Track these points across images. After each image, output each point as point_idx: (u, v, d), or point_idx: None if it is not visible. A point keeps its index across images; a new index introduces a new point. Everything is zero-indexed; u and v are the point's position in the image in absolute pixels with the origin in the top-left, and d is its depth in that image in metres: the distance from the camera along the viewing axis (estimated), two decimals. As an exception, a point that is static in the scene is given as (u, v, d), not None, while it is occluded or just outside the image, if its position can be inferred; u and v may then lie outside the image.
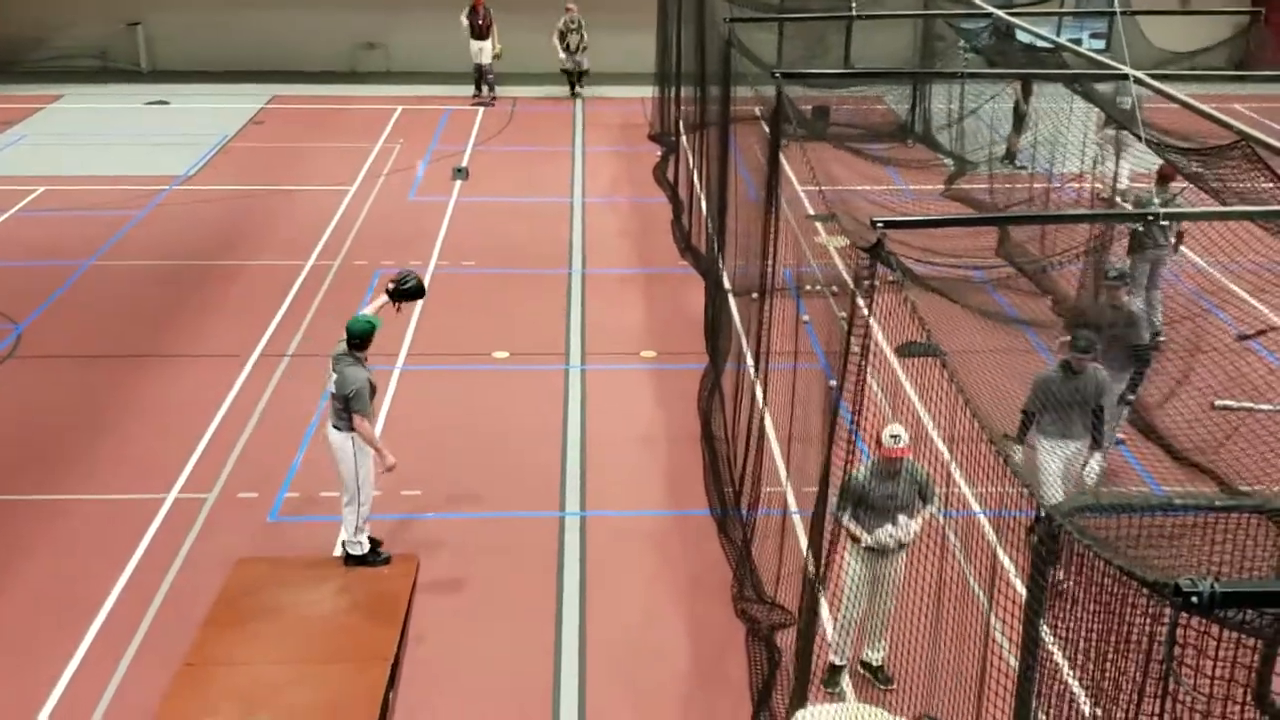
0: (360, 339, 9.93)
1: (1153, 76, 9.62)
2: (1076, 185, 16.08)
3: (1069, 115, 15.48)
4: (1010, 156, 19.82)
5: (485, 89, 25.95)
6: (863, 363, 6.65)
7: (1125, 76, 9.59)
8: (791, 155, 10.83)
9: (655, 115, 23.38)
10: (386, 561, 10.24)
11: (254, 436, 12.39)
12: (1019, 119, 19.92)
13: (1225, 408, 11.67)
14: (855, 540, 8.55)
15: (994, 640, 5.81)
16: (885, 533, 8.44)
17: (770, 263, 10.09)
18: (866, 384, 6.79)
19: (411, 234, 18.09)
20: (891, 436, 8.27)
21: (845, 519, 8.42)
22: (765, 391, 10.31)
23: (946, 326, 12.12)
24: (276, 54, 27.68)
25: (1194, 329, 12.53)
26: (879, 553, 8.52)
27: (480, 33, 25.53)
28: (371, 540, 10.35)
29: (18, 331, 14.74)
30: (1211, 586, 3.59)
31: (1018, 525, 7.86)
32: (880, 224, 6.41)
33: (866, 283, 6.46)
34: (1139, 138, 10.22)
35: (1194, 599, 3.60)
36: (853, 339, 6.74)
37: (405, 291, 10.36)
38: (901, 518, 8.43)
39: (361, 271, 16.63)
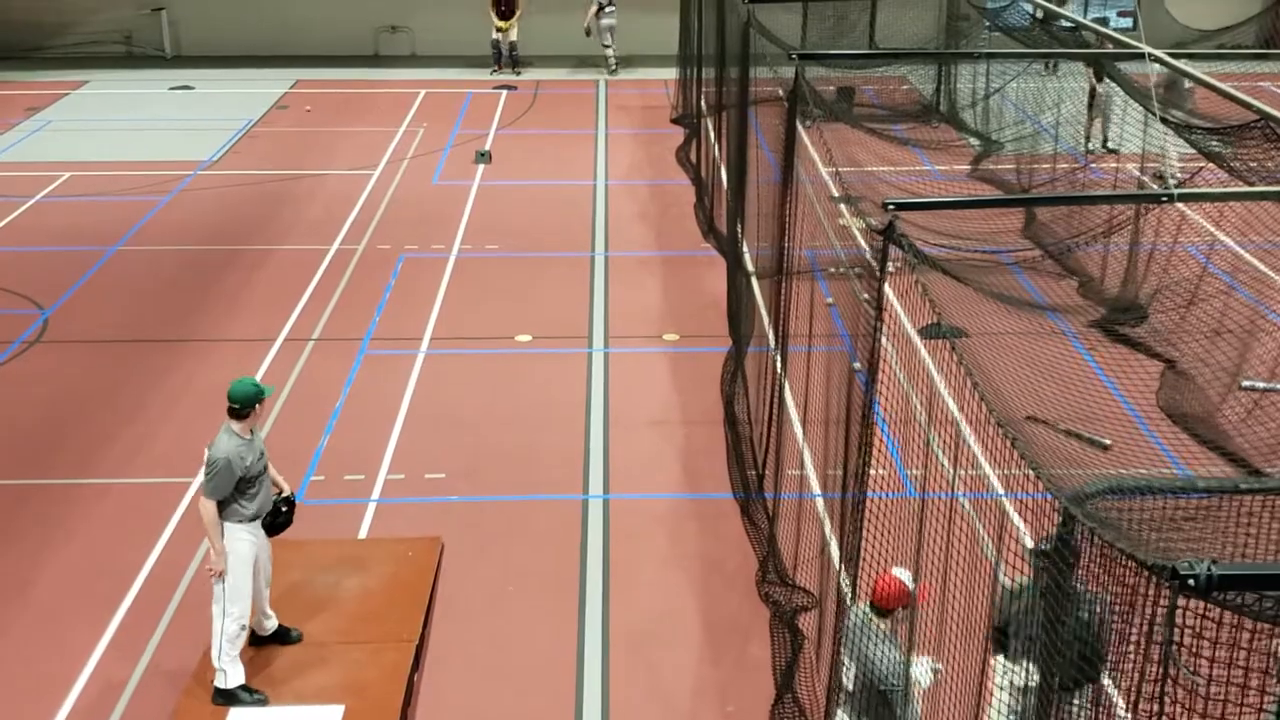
0: (239, 403, 8.33)
1: (1174, 55, 9.51)
2: (1109, 165, 15.96)
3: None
4: (1091, 139, 19.28)
5: (509, 64, 26.56)
6: (876, 344, 6.60)
7: (1143, 55, 9.48)
8: (817, 137, 10.79)
9: (678, 98, 23.31)
10: (263, 702, 8.48)
11: (279, 420, 12.45)
12: (1093, 102, 19.49)
13: (1252, 388, 11.58)
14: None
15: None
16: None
17: (787, 245, 10.05)
18: (889, 366, 6.76)
19: (435, 217, 18.11)
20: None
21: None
22: (785, 373, 10.27)
23: (970, 309, 12.07)
24: (300, 38, 27.72)
25: (1220, 307, 12.41)
26: None
27: (505, 14, 26.39)
28: (281, 630, 8.90)
29: (44, 316, 14.85)
30: (1209, 569, 3.56)
31: (1037, 507, 7.78)
32: (892, 205, 6.36)
33: (879, 265, 6.40)
34: (1155, 116, 10.10)
35: (1191, 581, 3.58)
36: (866, 320, 6.70)
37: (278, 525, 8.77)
38: None
39: (386, 256, 16.67)
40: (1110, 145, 18.67)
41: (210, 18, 27.84)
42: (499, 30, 26.45)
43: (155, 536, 10.58)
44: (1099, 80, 19.10)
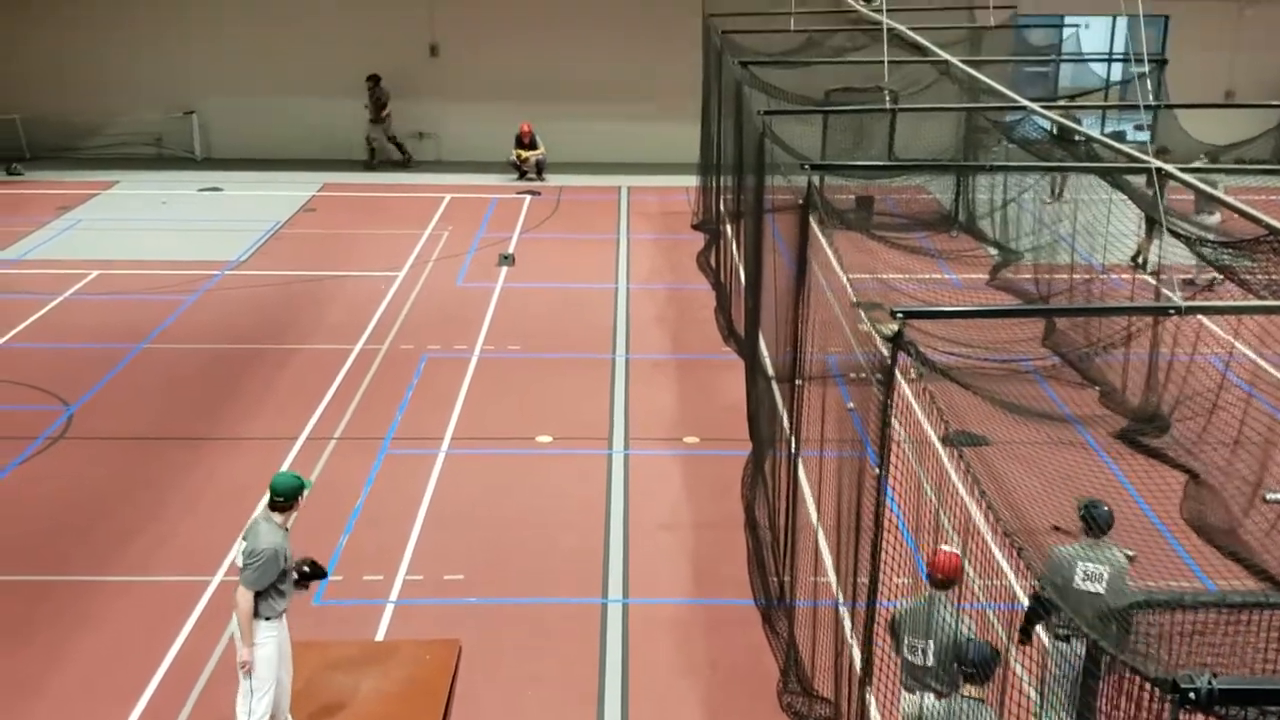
0: (283, 496, 8.61)
1: (1183, 169, 9.63)
2: (1126, 276, 16.06)
3: (1109, 205, 15.54)
4: (1138, 259, 18.83)
5: (534, 173, 27.04)
6: (884, 452, 6.66)
7: (1148, 169, 9.59)
8: (837, 243, 10.92)
9: (699, 204, 23.61)
10: None
11: (299, 519, 12.42)
12: (1149, 222, 19.10)
13: (1277, 501, 11.52)
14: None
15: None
16: None
17: (800, 349, 10.11)
18: (912, 473, 6.78)
19: (458, 319, 18.28)
20: None
21: None
22: (794, 478, 10.27)
23: (994, 418, 12.07)
24: (328, 142, 28.23)
25: (1240, 417, 12.38)
26: None
27: (527, 147, 27.20)
28: None
29: (69, 413, 14.96)
30: (1209, 683, 3.56)
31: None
32: (900, 313, 6.41)
33: (887, 372, 6.47)
34: (1164, 229, 10.20)
35: (1192, 695, 3.57)
36: (883, 427, 6.76)
37: (312, 574, 9.10)
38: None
39: (408, 356, 16.80)
40: (1151, 268, 18.32)
41: (240, 122, 28.40)
42: (521, 160, 27.09)
43: (174, 634, 10.55)
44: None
